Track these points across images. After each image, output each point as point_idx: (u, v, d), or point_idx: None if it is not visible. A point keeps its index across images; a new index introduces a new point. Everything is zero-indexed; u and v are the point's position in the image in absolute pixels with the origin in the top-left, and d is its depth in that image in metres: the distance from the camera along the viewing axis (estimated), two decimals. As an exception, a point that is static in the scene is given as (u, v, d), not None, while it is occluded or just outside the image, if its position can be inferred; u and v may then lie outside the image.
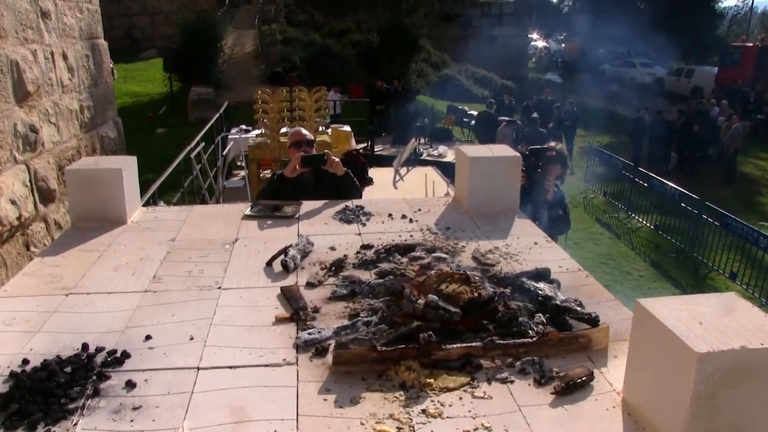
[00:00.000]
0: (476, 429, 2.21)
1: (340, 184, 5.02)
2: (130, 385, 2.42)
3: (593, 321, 2.86)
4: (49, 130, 6.94)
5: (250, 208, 4.55)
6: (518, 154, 4.67)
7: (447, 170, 11.55)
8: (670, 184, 13.80)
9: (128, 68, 26.16)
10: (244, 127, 12.10)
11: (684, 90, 33.09)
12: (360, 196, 5.14)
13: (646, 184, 14.55)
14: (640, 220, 14.49)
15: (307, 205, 4.66)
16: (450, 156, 16.52)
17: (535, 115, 17.93)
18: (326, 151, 5.19)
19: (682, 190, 13.29)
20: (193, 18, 25.13)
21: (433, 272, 3.09)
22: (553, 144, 6.10)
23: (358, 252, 3.75)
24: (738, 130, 19.24)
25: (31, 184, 6.41)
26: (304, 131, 5.40)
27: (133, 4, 31.76)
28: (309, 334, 2.76)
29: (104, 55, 9.06)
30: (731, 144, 19.18)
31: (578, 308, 2.95)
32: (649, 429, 2.21)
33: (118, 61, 10.08)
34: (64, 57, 7.50)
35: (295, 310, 2.98)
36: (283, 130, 9.43)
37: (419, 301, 2.78)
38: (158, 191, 6.93)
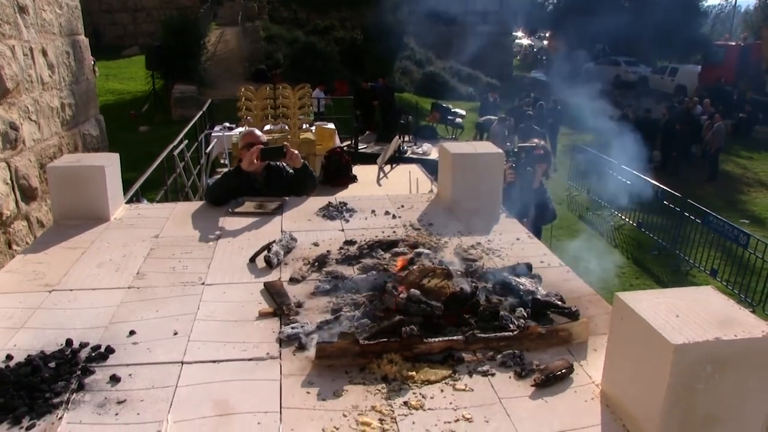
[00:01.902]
0: (457, 420, 2.24)
1: (298, 176, 5.03)
2: (115, 379, 2.43)
3: (573, 315, 2.90)
4: (30, 128, 6.91)
5: (232, 205, 4.55)
6: (501, 151, 4.70)
7: (431, 168, 11.56)
8: (652, 181, 13.90)
9: (110, 66, 25.97)
10: (227, 124, 12.08)
11: (668, 88, 33.35)
12: (315, 189, 5.16)
13: (629, 182, 14.64)
14: (623, 217, 14.59)
15: (291, 202, 4.67)
16: (434, 154, 16.54)
17: (529, 112, 18.01)
18: (285, 143, 5.21)
19: (664, 187, 13.39)
20: (176, 15, 24.95)
21: (415, 267, 3.11)
22: (540, 142, 6.18)
23: (341, 248, 3.77)
24: (720, 128, 19.41)
25: (12, 182, 6.38)
26: (258, 132, 5.41)
27: (114, 1, 31.52)
28: (292, 328, 2.78)
29: (85, 52, 9.02)
30: (713, 142, 19.35)
31: (559, 303, 2.99)
32: (627, 420, 2.25)
33: (99, 59, 10.03)
34: (44, 53, 7.46)
35: (279, 305, 3.00)
36: (267, 127, 9.43)
37: (401, 296, 2.81)
38: (141, 189, 6.91)
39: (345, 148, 11.85)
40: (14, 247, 6.33)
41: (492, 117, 19.09)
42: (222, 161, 11.16)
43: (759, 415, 2.14)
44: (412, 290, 2.82)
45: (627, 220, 14.46)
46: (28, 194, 6.70)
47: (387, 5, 30.04)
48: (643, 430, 2.16)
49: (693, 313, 2.20)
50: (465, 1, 35.66)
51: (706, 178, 18.93)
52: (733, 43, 33.60)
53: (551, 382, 2.46)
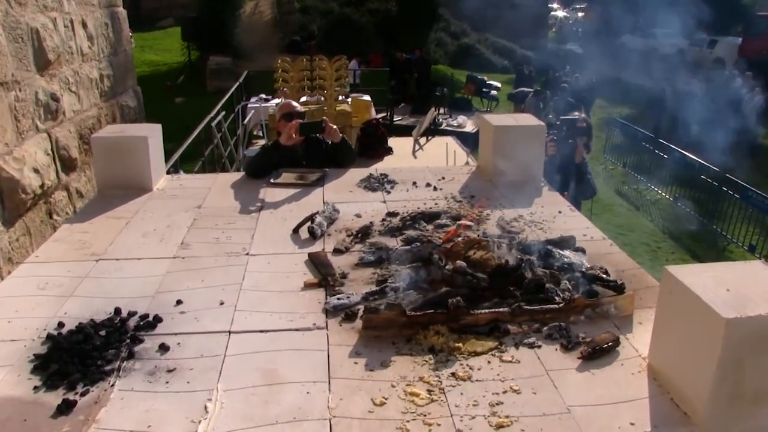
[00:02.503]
0: (505, 392, 2.24)
1: (337, 150, 5.03)
2: (164, 348, 2.47)
3: (619, 288, 2.88)
4: (70, 99, 6.97)
5: (273, 176, 4.57)
6: (542, 123, 4.65)
7: (466, 140, 11.51)
8: (690, 155, 13.66)
9: (145, 37, 26.10)
10: (263, 96, 12.08)
11: (706, 61, 32.59)
12: (354, 163, 5.14)
13: (666, 156, 14.41)
14: (660, 191, 14.39)
15: (331, 173, 4.67)
16: (469, 126, 16.43)
17: (564, 84, 17.76)
18: (323, 117, 5.20)
19: (702, 161, 13.15)
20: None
21: (460, 239, 3.10)
22: (581, 115, 6.11)
23: (383, 219, 3.77)
24: (760, 102, 18.97)
25: (53, 153, 6.46)
26: (294, 103, 5.39)
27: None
28: (338, 299, 2.79)
29: (123, 23, 9.05)
30: (753, 116, 18.92)
31: (604, 276, 2.96)
32: (675, 393, 2.23)
33: (135, 30, 10.06)
34: (84, 25, 7.50)
35: (324, 276, 3.01)
36: (303, 99, 9.42)
37: (447, 267, 2.80)
38: (178, 161, 6.96)
39: (380, 120, 11.83)
40: (55, 216, 6.42)
41: (527, 89, 18.84)
42: (256, 132, 11.19)
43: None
44: (458, 262, 2.82)
45: (663, 194, 14.25)
46: (68, 165, 6.77)
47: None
48: (692, 404, 2.13)
49: (743, 287, 2.17)
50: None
51: (745, 153, 18.55)
52: (777, 14, 32.66)
53: (597, 354, 2.45)
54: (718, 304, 2.05)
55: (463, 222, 3.61)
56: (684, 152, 13.89)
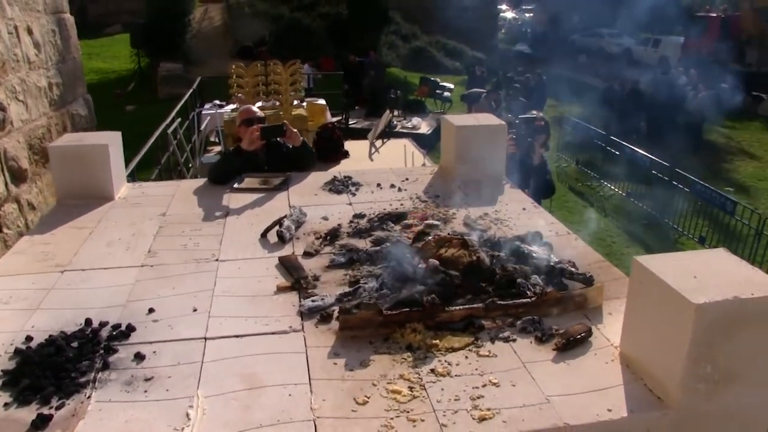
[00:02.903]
0: (485, 385, 2.27)
1: (298, 154, 5.03)
2: (139, 357, 2.43)
3: (588, 281, 2.94)
4: (18, 108, 6.79)
5: (236, 182, 4.54)
6: (503, 123, 4.71)
7: (422, 141, 11.58)
8: (641, 151, 13.96)
9: (92, 44, 25.59)
10: (218, 102, 11.95)
11: (651, 60, 33.36)
12: (315, 166, 5.16)
13: (617, 153, 14.70)
14: (612, 187, 14.67)
15: (294, 177, 4.67)
16: (424, 127, 16.53)
17: (516, 84, 18.00)
18: (284, 122, 5.21)
19: (652, 157, 13.45)
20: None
21: (431, 238, 3.13)
22: (539, 114, 6.21)
23: (351, 221, 3.78)
24: (704, 99, 19.48)
25: (1, 164, 6.30)
26: (255, 108, 5.38)
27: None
28: (312, 301, 2.79)
29: (71, 30, 8.86)
30: (697, 113, 19.43)
31: (572, 269, 3.02)
32: (648, 379, 2.29)
33: (81, 38, 9.81)
34: (29, 32, 7.32)
35: (296, 279, 3.01)
36: (259, 104, 9.34)
37: (420, 266, 2.82)
38: (135, 170, 6.85)
39: (336, 123, 11.82)
40: (5, 230, 6.25)
41: (479, 90, 19.05)
42: (213, 139, 11.07)
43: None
44: (431, 260, 2.84)
45: (616, 190, 14.53)
46: (17, 176, 6.60)
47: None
48: (665, 388, 2.20)
49: (710, 274, 2.26)
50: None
51: (691, 148, 19.01)
52: (714, 15, 33.58)
53: (571, 345, 2.51)
54: (687, 291, 2.13)
55: (428, 221, 3.64)
56: (634, 148, 14.19)
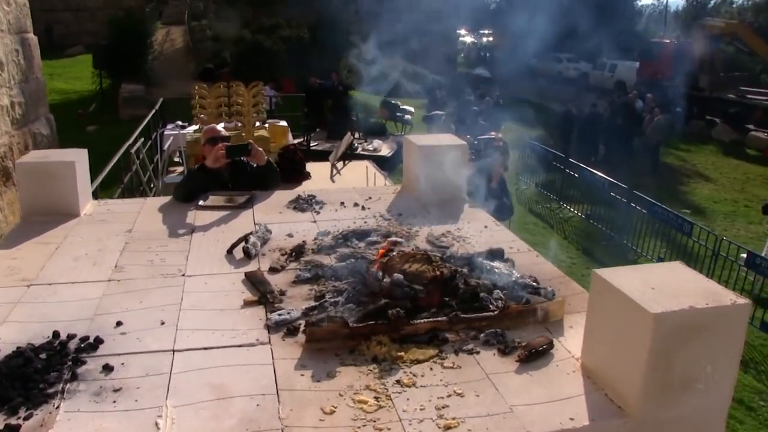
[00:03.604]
0: (450, 396, 2.33)
1: (263, 173, 5.08)
2: (108, 368, 2.45)
3: (549, 295, 3.03)
4: (-21, 127, 6.75)
5: (201, 199, 4.56)
6: (464, 142, 4.82)
7: (382, 164, 11.69)
8: (600, 174, 14.25)
9: (54, 65, 25.34)
10: (180, 123, 11.94)
11: (608, 84, 34.09)
12: (279, 185, 5.19)
13: (576, 175, 14.98)
14: (571, 209, 14.93)
15: (259, 196, 4.70)
16: (385, 150, 16.66)
17: (475, 107, 18.27)
18: (249, 141, 5.26)
19: (611, 179, 13.73)
20: (122, 14, 24.54)
21: (395, 253, 3.20)
22: (498, 135, 6.34)
23: (315, 238, 3.83)
24: (660, 122, 19.97)
25: (-38, 182, 6.23)
26: (219, 127, 5.42)
27: (56, 0, 30.75)
28: (279, 315, 2.83)
29: (34, 50, 8.81)
30: (654, 136, 19.90)
31: (534, 284, 3.11)
32: (608, 389, 2.38)
33: (43, 58, 9.74)
34: (-8, 51, 7.29)
35: (263, 294, 3.05)
36: (221, 125, 9.36)
37: (385, 280, 2.89)
38: (98, 188, 6.81)
39: (297, 145, 11.87)
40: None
41: (439, 112, 19.32)
42: (175, 159, 11.04)
43: (728, 374, 2.32)
44: (395, 274, 2.91)
45: (575, 212, 14.79)
46: (-21, 194, 6.55)
47: (333, 4, 29.93)
48: (625, 397, 2.29)
49: (666, 286, 2.37)
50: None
51: (648, 171, 19.44)
52: (668, 41, 34.51)
53: (534, 357, 2.59)
54: (645, 301, 2.23)
55: (393, 238, 3.71)
56: (593, 171, 14.47)
